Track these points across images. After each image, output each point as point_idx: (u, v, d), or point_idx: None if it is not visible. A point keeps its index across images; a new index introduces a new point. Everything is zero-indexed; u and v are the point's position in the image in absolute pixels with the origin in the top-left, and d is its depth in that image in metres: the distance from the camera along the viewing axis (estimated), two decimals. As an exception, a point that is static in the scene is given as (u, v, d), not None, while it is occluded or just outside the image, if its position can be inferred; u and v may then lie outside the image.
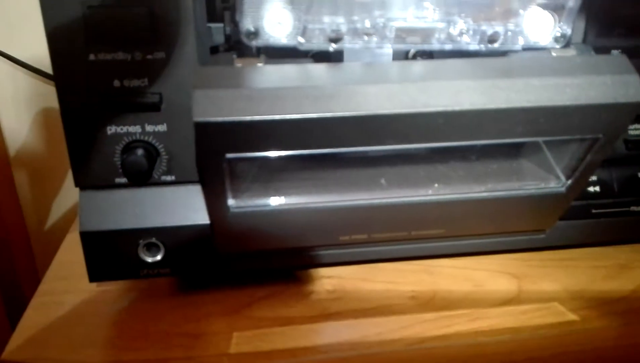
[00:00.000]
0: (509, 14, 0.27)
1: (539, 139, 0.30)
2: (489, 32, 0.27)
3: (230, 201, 0.29)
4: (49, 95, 0.58)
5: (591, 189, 0.35)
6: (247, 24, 0.26)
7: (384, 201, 0.30)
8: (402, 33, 0.27)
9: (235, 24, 0.27)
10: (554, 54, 0.28)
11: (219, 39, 0.29)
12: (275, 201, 0.29)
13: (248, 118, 0.23)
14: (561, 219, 0.35)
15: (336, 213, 0.30)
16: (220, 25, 0.29)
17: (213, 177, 0.27)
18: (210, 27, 0.29)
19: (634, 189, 0.36)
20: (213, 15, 0.29)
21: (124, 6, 0.26)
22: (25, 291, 0.62)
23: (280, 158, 0.29)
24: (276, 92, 0.23)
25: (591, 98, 0.25)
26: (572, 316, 0.32)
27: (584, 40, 0.30)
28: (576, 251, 0.39)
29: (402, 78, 0.25)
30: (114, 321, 0.32)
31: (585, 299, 0.34)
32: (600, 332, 0.32)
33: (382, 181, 0.30)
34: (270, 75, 0.24)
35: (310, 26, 0.26)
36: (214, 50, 0.29)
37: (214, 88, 0.23)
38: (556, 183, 0.31)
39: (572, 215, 0.35)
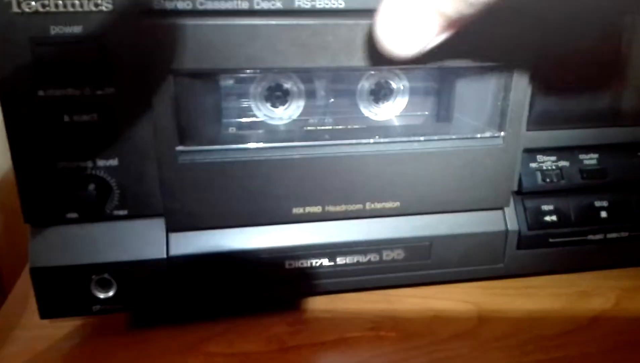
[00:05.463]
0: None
1: None
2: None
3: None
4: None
5: (548, 218, 0.36)
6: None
7: (331, 148, 0.31)
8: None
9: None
10: None
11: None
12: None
13: None
14: (520, 248, 0.35)
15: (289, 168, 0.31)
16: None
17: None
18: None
19: (591, 218, 0.36)
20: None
21: (74, 42, 0.26)
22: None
23: None
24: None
25: None
26: (529, 347, 0.33)
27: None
28: (538, 279, 0.39)
29: None
30: (66, 359, 0.31)
31: (545, 327, 0.34)
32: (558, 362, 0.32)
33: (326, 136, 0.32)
34: None
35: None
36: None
37: None
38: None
39: (530, 244, 0.36)
